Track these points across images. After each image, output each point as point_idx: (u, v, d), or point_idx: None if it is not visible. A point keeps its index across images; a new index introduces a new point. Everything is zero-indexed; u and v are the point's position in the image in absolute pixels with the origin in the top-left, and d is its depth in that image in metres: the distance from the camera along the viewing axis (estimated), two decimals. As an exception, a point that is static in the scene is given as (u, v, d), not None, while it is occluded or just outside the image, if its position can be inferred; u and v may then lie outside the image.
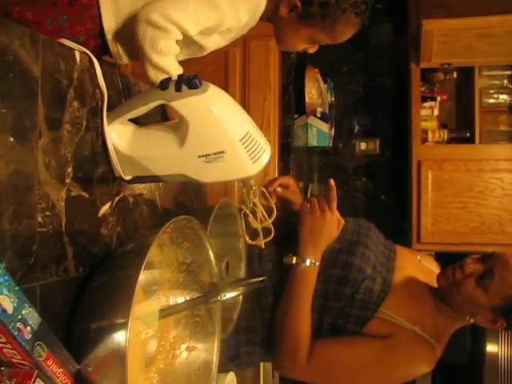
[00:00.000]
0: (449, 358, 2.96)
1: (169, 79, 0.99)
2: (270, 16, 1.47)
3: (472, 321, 1.60)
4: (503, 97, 3.18)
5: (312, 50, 1.57)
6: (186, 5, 1.25)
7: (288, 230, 1.59)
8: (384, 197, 3.58)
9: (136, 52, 1.30)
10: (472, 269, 1.55)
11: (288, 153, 2.69)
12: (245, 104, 2.74)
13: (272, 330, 1.58)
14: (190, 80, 0.96)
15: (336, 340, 1.58)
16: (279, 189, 1.73)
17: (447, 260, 2.94)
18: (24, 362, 0.77)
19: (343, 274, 1.58)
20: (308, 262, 1.54)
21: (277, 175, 2.66)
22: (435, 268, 1.80)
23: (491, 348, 2.94)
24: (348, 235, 1.66)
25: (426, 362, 1.61)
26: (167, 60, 1.28)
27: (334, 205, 1.58)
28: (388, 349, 1.58)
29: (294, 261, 1.55)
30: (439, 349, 1.61)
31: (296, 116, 2.94)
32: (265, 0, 1.42)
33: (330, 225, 1.59)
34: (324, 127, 3.06)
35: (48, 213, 0.90)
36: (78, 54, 1.02)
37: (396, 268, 1.65)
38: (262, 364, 2.54)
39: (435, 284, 1.63)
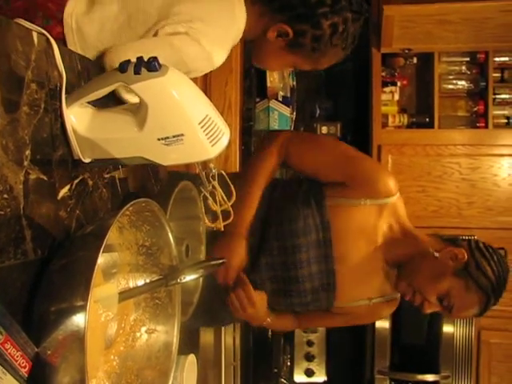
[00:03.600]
0: (406, 339, 3.05)
1: (128, 61, 0.98)
2: (254, 38, 1.46)
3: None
4: (461, 83, 3.22)
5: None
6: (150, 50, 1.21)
7: None
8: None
9: None
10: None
11: (249, 136, 2.69)
12: (206, 88, 2.73)
13: None
14: (149, 63, 0.95)
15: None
16: None
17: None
18: (-19, 345, 0.76)
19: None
20: None
21: (238, 158, 2.67)
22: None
23: (447, 329, 3.00)
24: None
25: (388, 313, 1.85)
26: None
27: (250, 290, 1.63)
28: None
29: None
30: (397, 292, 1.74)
31: (258, 100, 2.94)
32: (239, 36, 1.40)
33: (255, 319, 1.73)
34: (285, 111, 3.06)
35: (6, 196, 0.89)
36: (35, 35, 1.01)
37: (336, 257, 1.68)
38: (223, 345, 2.57)
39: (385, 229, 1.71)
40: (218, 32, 1.33)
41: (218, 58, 1.34)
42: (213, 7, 1.34)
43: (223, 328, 2.57)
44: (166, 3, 1.30)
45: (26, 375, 0.83)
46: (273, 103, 3.04)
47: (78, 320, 0.85)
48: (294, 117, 3.31)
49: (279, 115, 3.06)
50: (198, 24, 1.28)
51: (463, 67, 3.22)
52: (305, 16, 1.37)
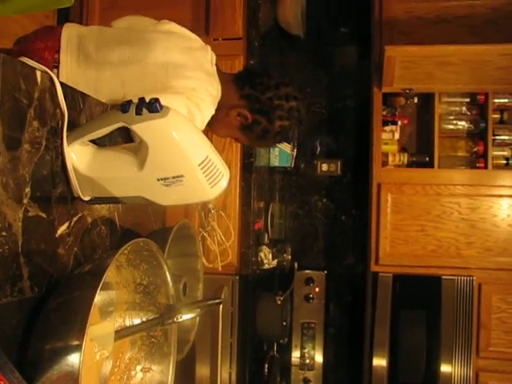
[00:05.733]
0: (404, 378, 3.02)
1: (130, 102, 0.99)
2: (220, 106, 1.65)
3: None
4: (461, 123, 3.24)
5: None
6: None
7: None
8: (344, 218, 3.62)
9: None
10: None
11: (250, 172, 2.70)
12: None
13: None
14: (150, 104, 0.96)
15: None
16: None
17: (405, 282, 3.01)
18: (-26, 385, 0.76)
19: None
20: None
21: (238, 195, 2.67)
22: None
23: (445, 368, 2.98)
24: None
25: None
26: None
27: None
28: None
29: None
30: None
31: (259, 136, 2.95)
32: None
33: None
34: (286, 148, 3.08)
35: (4, 233, 0.89)
36: (38, 74, 1.02)
37: None
38: (219, 381, 2.54)
39: None
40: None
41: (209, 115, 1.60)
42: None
43: (219, 363, 2.55)
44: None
45: (18, 416, 0.82)
46: (274, 140, 3.05)
47: (73, 360, 0.85)
48: (295, 154, 3.32)
49: (280, 152, 3.08)
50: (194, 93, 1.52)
51: (463, 108, 3.24)
52: (265, 112, 1.66)
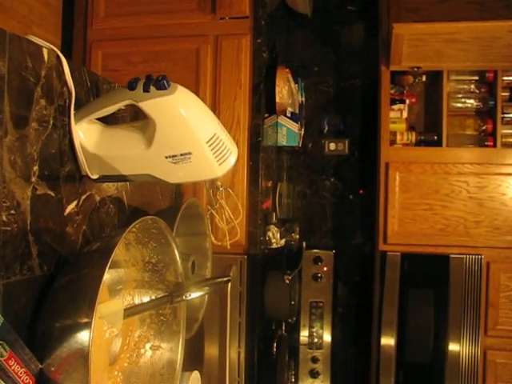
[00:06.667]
0: (412, 357, 3.03)
1: (137, 79, 0.99)
2: None
3: None
4: (470, 101, 3.22)
5: None
6: None
7: None
8: (352, 197, 3.61)
9: None
10: None
11: (257, 152, 2.69)
12: (215, 103, 2.74)
13: None
14: (158, 81, 0.96)
15: None
16: None
17: (414, 261, 3.01)
18: (-15, 362, 0.76)
19: None
20: None
21: (246, 174, 2.67)
22: None
23: (453, 347, 2.98)
24: None
25: None
26: None
27: None
28: None
29: None
30: None
31: (266, 115, 2.95)
32: None
33: None
34: (294, 127, 3.07)
35: (13, 211, 0.90)
36: (45, 52, 1.01)
37: None
38: (228, 361, 2.56)
39: None
40: None
41: None
42: None
43: (228, 342, 2.57)
44: None
45: (30, 392, 0.83)
46: (281, 119, 3.04)
47: (83, 337, 0.85)
48: (303, 133, 3.31)
49: (287, 131, 3.07)
50: None
51: (472, 86, 3.21)
52: None
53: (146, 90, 0.96)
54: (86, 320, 0.86)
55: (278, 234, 2.92)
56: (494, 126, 3.11)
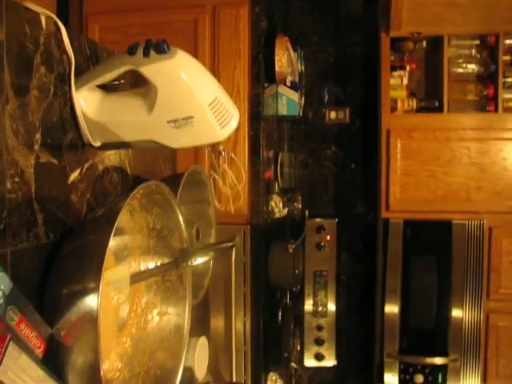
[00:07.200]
0: (415, 323, 3.05)
1: (137, 44, 0.98)
2: None
3: None
4: (471, 66, 3.19)
5: None
6: None
7: None
8: (354, 165, 3.61)
9: None
10: None
11: (258, 121, 2.68)
12: (214, 72, 2.72)
13: None
14: (158, 45, 0.95)
15: None
16: None
17: (416, 227, 3.02)
18: (-4, 326, 0.77)
19: None
20: None
21: (247, 144, 2.67)
22: None
23: (456, 312, 3.01)
24: None
25: None
26: None
27: None
28: None
29: None
30: None
31: (266, 85, 2.94)
32: None
33: None
34: (294, 96, 3.06)
35: (17, 179, 0.90)
36: (43, 18, 1.01)
37: None
38: (233, 330, 2.58)
39: None
40: None
41: None
42: None
43: (234, 312, 2.58)
44: None
45: (41, 356, 0.84)
46: (281, 88, 3.03)
47: (91, 302, 0.86)
48: (303, 102, 3.30)
49: (288, 100, 3.06)
50: None
51: (473, 50, 3.18)
52: None
53: (146, 54, 0.96)
54: (93, 285, 0.86)
55: (281, 204, 2.93)
56: (496, 90, 3.09)
